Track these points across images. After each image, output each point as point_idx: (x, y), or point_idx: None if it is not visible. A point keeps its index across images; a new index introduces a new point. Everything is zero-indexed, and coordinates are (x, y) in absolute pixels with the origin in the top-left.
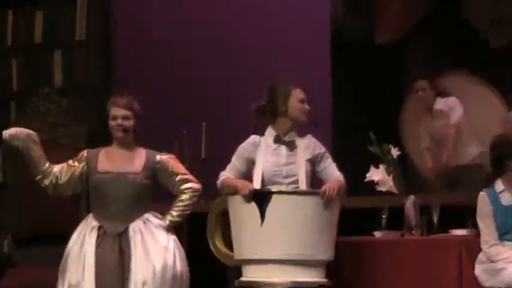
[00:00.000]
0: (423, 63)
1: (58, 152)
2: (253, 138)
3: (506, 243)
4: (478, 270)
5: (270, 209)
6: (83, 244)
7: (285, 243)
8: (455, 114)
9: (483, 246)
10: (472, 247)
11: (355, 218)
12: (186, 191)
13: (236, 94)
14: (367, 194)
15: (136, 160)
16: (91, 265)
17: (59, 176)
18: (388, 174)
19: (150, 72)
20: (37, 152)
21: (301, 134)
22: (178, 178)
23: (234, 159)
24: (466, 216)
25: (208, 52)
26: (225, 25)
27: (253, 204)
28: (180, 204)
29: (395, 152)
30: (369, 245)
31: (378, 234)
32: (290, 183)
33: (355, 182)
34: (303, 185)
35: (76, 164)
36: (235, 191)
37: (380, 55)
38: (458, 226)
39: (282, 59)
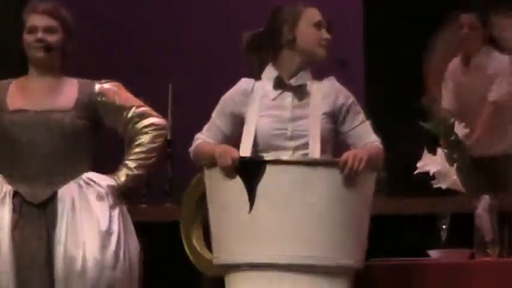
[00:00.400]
0: None
1: None
2: (244, 83)
3: None
4: None
5: (263, 187)
6: None
7: (287, 239)
8: (500, 87)
9: None
10: None
11: (399, 229)
12: (145, 129)
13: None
14: (419, 194)
15: (66, 93)
16: (7, 261)
17: None
18: (451, 164)
19: None
20: None
21: (319, 77)
22: (131, 113)
23: (214, 114)
24: None
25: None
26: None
27: (238, 181)
28: (139, 150)
29: (461, 130)
30: (422, 269)
31: (434, 254)
32: (298, 147)
33: (399, 175)
34: (315, 151)
35: None
36: (212, 161)
37: None
38: None
39: None
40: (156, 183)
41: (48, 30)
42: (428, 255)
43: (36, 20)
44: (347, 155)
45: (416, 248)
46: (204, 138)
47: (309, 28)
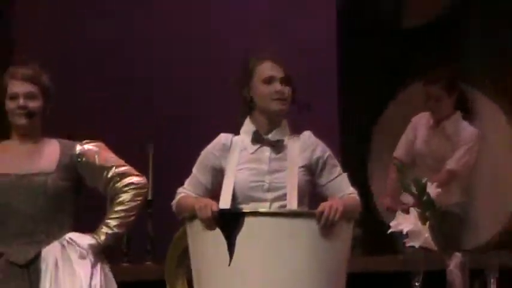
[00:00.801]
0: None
1: None
2: (223, 138)
3: None
4: None
5: (243, 239)
6: None
7: None
8: (460, 157)
9: None
10: None
11: (373, 287)
12: (125, 188)
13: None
14: (391, 252)
15: (47, 155)
16: None
17: None
18: (423, 223)
19: None
20: None
21: (298, 130)
22: (111, 173)
23: (195, 169)
24: None
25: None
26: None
27: (218, 233)
28: (120, 208)
29: (433, 190)
30: None
31: None
32: (275, 199)
33: (373, 234)
34: (293, 203)
35: None
36: (193, 214)
37: None
38: None
39: None
40: (137, 242)
41: (28, 96)
42: None
43: (17, 87)
44: (323, 206)
45: None
46: (186, 192)
47: (260, 85)
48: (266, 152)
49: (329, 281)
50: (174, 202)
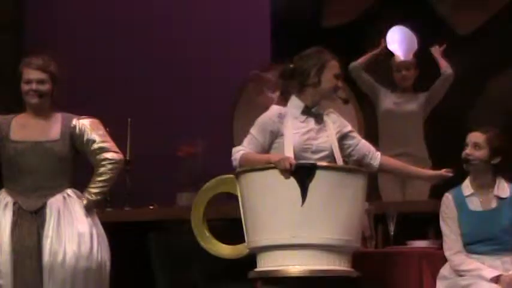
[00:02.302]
0: None
1: None
2: (277, 109)
3: (473, 256)
4: (440, 286)
5: (313, 186)
6: None
7: (328, 226)
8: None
9: (447, 253)
10: (434, 261)
11: None
12: (103, 162)
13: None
14: None
15: (54, 127)
16: (7, 252)
17: None
18: None
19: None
20: None
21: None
22: (94, 146)
23: (254, 132)
24: (427, 226)
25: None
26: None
27: (291, 180)
28: (98, 179)
29: None
30: None
31: None
32: (319, 158)
33: None
34: (339, 161)
35: None
36: (265, 165)
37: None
38: (418, 237)
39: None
40: (118, 192)
41: (39, 81)
42: None
43: (31, 74)
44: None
45: None
46: (246, 150)
47: (331, 77)
48: (311, 121)
49: (360, 220)
50: (236, 157)
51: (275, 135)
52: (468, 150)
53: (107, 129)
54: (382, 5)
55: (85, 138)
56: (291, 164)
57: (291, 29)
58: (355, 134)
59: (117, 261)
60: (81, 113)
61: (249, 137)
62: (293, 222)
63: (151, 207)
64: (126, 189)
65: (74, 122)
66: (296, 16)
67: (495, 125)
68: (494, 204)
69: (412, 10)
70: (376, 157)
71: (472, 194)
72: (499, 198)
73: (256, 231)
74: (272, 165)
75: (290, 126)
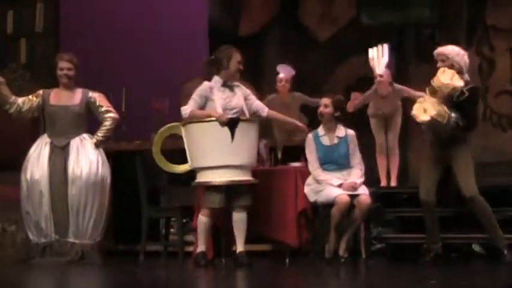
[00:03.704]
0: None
1: None
2: (208, 83)
3: (326, 171)
4: (307, 189)
5: (237, 130)
6: (40, 152)
7: (243, 153)
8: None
9: (311, 169)
10: (304, 174)
11: None
12: (107, 118)
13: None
14: None
15: (76, 96)
16: (45, 168)
17: (22, 106)
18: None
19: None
20: (5, 90)
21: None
22: (102, 109)
23: (196, 96)
24: (300, 154)
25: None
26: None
27: (225, 128)
28: (104, 128)
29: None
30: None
31: None
32: (234, 113)
33: None
34: (247, 114)
35: (34, 98)
36: (206, 118)
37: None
38: (295, 160)
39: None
40: (117, 133)
41: (68, 69)
42: None
43: (63, 64)
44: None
45: None
46: (192, 109)
47: (236, 63)
48: (227, 90)
49: (256, 147)
50: (186, 112)
51: (207, 98)
52: (321, 109)
53: (110, 95)
54: (275, 20)
55: (97, 105)
56: (226, 118)
57: (220, 35)
58: (252, 97)
59: (116, 175)
60: (93, 84)
61: (192, 99)
62: (226, 152)
63: (137, 141)
64: (122, 130)
65: (90, 94)
66: (223, 27)
67: (337, 93)
68: (335, 140)
69: (288, 24)
70: (264, 111)
71: (324, 134)
72: (339, 137)
73: (198, 158)
74: (212, 118)
75: (217, 94)
